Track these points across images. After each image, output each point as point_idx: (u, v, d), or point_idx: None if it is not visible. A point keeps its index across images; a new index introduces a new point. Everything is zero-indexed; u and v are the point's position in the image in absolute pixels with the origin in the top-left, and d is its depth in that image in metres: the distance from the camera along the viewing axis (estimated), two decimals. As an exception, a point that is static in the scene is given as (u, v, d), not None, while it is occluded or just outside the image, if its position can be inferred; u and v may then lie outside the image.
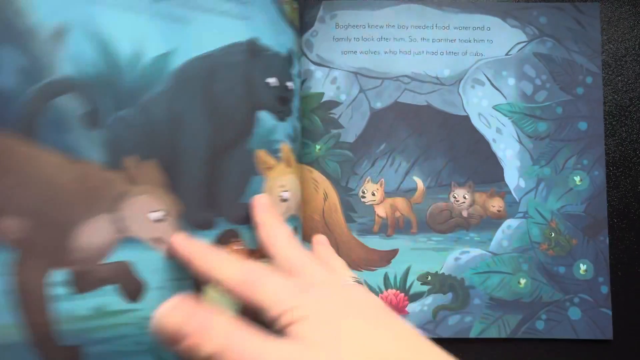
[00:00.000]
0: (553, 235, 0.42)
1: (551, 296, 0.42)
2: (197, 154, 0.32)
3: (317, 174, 0.43)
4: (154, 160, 0.31)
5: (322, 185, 0.42)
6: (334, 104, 0.43)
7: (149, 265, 0.30)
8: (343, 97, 0.43)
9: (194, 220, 0.32)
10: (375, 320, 0.26)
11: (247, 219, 0.33)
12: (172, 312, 0.26)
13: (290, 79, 0.37)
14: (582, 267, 0.42)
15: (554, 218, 0.42)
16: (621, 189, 0.43)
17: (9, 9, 0.27)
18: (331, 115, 0.43)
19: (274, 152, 0.36)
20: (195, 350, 0.25)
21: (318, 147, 0.43)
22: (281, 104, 0.36)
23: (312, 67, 0.43)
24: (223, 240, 0.33)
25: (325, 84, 0.43)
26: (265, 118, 0.35)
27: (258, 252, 0.34)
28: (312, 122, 0.43)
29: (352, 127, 0.43)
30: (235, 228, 0.33)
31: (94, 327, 0.28)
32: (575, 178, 0.42)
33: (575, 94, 0.43)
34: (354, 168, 0.43)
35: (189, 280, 0.31)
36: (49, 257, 0.27)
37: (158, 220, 0.30)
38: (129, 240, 0.29)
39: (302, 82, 0.43)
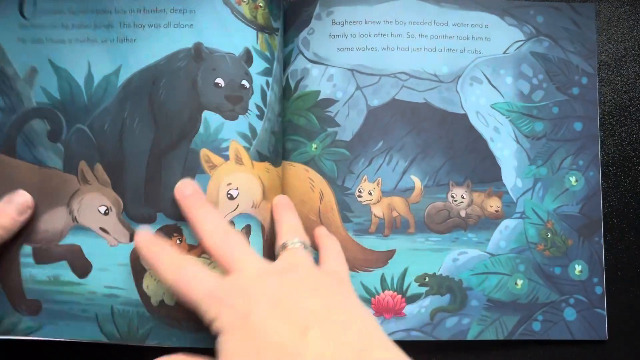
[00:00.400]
0: (549, 235, 0.42)
1: (547, 297, 0.41)
2: (138, 156, 0.38)
3: (313, 173, 0.42)
4: (100, 163, 0.38)
5: (318, 184, 0.42)
6: (330, 101, 0.42)
7: (95, 250, 0.38)
8: (339, 95, 0.42)
9: (135, 214, 0.38)
10: (295, 312, 0.29)
11: None
12: (139, 242, 0.35)
13: (246, 77, 0.38)
14: (577, 267, 0.42)
15: (550, 218, 0.42)
16: (620, 189, 0.43)
17: None
18: (327, 113, 0.42)
19: (222, 151, 0.37)
20: (158, 278, 0.35)
21: (314, 145, 0.42)
22: (231, 103, 0.37)
23: (309, 65, 0.42)
24: (163, 234, 0.37)
25: (321, 81, 0.42)
26: (212, 118, 0.37)
27: (199, 248, 0.37)
28: (308, 120, 0.42)
29: (349, 125, 0.42)
30: (177, 223, 0.37)
31: (50, 290, 0.38)
32: (570, 178, 0.42)
33: (571, 94, 0.43)
34: (350, 167, 0.42)
35: (128, 266, 0.38)
36: (23, 235, 0.38)
37: (104, 213, 0.38)
38: (80, 228, 0.38)
39: (299, 81, 0.42)
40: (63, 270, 0.38)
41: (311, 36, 0.43)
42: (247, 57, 0.38)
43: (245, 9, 0.38)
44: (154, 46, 0.38)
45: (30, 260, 0.38)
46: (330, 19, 0.43)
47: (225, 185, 0.37)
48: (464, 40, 0.43)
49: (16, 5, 0.39)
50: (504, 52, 0.43)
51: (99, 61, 0.39)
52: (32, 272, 0.38)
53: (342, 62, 0.43)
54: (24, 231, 0.38)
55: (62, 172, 0.38)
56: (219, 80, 0.37)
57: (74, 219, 0.38)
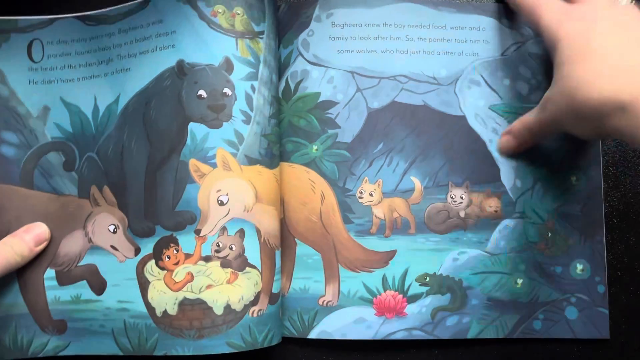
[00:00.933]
0: (550, 235, 0.42)
1: (548, 296, 0.42)
2: (137, 175, 0.40)
3: (313, 175, 0.42)
4: (107, 185, 0.41)
5: (319, 186, 0.42)
6: (330, 103, 0.43)
7: (107, 267, 0.40)
8: (340, 97, 0.43)
9: (137, 229, 0.40)
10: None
11: (182, 226, 0.38)
12: None
13: (227, 85, 0.39)
14: (579, 266, 0.42)
15: (551, 218, 0.42)
16: (620, 188, 0.43)
17: (8, 105, 0.42)
18: (328, 115, 0.43)
19: (209, 159, 0.38)
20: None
21: (315, 147, 0.42)
22: (214, 112, 0.38)
23: (309, 66, 0.43)
24: (161, 246, 0.39)
25: (321, 83, 0.43)
26: (197, 129, 0.39)
27: (194, 257, 0.38)
28: (308, 122, 0.43)
29: (349, 127, 0.43)
30: (173, 234, 0.39)
31: (74, 309, 0.41)
32: (571, 178, 0.42)
33: (570, 94, 0.43)
34: (351, 168, 0.42)
35: (135, 279, 0.40)
36: (47, 260, 0.41)
37: (113, 232, 0.40)
38: (95, 248, 0.41)
39: (299, 82, 0.43)
40: (83, 290, 0.41)
41: (311, 38, 0.43)
42: (228, 66, 0.39)
43: (221, 19, 0.39)
44: (144, 71, 0.40)
45: (54, 282, 0.41)
46: (330, 21, 0.43)
47: (214, 192, 0.38)
48: (462, 43, 0.43)
49: (24, 51, 0.42)
50: (502, 54, 0.43)
51: (103, 93, 0.41)
52: (56, 293, 0.41)
53: (342, 64, 0.43)
54: (48, 256, 0.41)
55: (77, 198, 0.41)
56: (201, 92, 0.39)
57: (90, 240, 0.41)
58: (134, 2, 0.40)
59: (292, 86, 0.43)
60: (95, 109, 0.41)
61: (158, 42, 0.40)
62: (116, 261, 0.40)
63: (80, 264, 0.41)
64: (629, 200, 0.43)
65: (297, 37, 0.43)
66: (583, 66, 0.34)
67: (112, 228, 0.40)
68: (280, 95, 0.43)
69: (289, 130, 0.43)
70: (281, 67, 0.43)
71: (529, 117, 0.40)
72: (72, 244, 0.41)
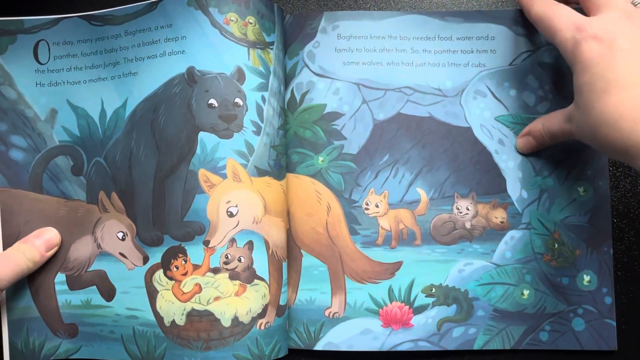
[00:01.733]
0: (556, 246, 0.42)
1: (555, 307, 0.41)
2: (145, 182, 0.40)
3: (319, 186, 0.42)
4: (115, 192, 0.41)
5: (325, 197, 0.42)
6: (336, 115, 0.43)
7: (116, 274, 0.41)
8: (346, 109, 0.43)
9: (145, 238, 0.40)
10: None
11: (190, 236, 0.38)
12: None
13: (239, 95, 0.38)
14: (586, 278, 0.42)
15: (557, 229, 0.42)
16: (620, 188, 0.43)
17: (17, 109, 0.42)
18: (334, 127, 0.43)
19: (219, 170, 0.38)
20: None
21: (321, 158, 0.43)
22: (225, 121, 0.38)
23: (315, 78, 0.43)
24: (170, 256, 0.39)
25: (327, 95, 0.43)
26: (208, 138, 0.38)
27: (202, 268, 0.38)
28: (314, 133, 0.43)
29: (355, 138, 0.43)
30: (181, 244, 0.39)
31: (84, 314, 0.41)
32: (579, 189, 0.42)
33: (577, 104, 0.43)
34: (357, 180, 0.43)
35: (144, 288, 0.40)
36: (57, 265, 0.41)
37: (121, 239, 0.40)
38: (104, 254, 0.41)
39: (304, 93, 0.43)
40: (93, 295, 0.41)
41: (317, 49, 0.43)
42: (239, 75, 0.39)
43: (234, 28, 0.39)
44: (153, 76, 0.40)
45: (65, 287, 0.41)
46: (336, 33, 0.43)
47: (224, 204, 0.38)
48: (468, 53, 0.43)
49: (31, 52, 0.41)
50: (510, 64, 0.43)
51: (110, 97, 0.41)
52: (67, 298, 0.41)
53: (347, 76, 0.43)
54: (58, 261, 0.41)
55: (86, 203, 0.41)
56: (212, 101, 0.38)
57: (99, 246, 0.41)
58: (141, 3, 0.40)
59: (298, 97, 0.43)
60: (103, 112, 0.41)
61: (167, 47, 0.39)
62: (125, 268, 0.40)
63: (90, 269, 0.41)
64: (629, 200, 0.43)
65: (303, 48, 0.43)
66: (604, 100, 0.32)
67: (120, 235, 0.40)
68: (285, 106, 0.43)
69: (294, 142, 0.43)
70: (286, 78, 0.43)
71: (552, 124, 0.39)
72: (81, 249, 0.41)
